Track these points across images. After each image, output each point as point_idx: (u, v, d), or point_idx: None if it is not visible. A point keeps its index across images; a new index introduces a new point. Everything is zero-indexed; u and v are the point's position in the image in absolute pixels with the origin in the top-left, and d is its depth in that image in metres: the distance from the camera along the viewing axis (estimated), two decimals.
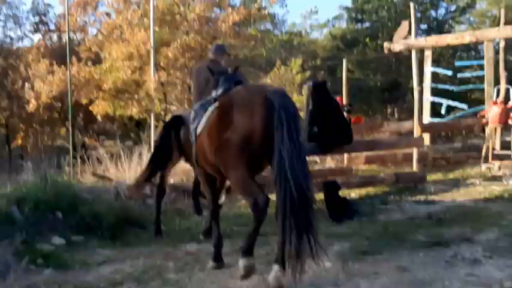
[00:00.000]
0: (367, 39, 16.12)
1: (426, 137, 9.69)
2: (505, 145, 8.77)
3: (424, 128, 7.99)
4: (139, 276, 3.90)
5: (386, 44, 10.83)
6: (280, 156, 3.25)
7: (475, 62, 13.00)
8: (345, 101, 9.19)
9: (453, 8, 17.18)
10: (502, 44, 9.30)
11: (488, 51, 9.57)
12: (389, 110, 17.78)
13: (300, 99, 12.73)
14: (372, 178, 7.46)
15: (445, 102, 10.67)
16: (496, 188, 7.39)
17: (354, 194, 7.31)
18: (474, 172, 8.84)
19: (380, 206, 6.56)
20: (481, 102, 11.44)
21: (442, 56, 15.68)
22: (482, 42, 9.68)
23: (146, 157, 8.76)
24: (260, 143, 3.41)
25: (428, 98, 10.72)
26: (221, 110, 3.71)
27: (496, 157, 8.69)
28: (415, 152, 7.98)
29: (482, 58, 11.62)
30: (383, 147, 7.68)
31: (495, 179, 8.29)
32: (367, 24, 17.69)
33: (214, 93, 4.11)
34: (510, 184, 7.68)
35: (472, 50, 17.63)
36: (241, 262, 3.58)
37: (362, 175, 7.77)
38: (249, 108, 3.48)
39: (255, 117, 3.42)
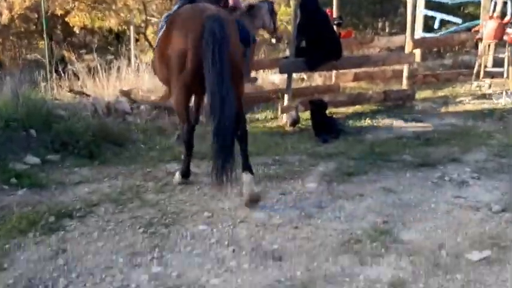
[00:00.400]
0: None
1: (417, 53, 9.36)
2: (497, 62, 8.51)
3: (416, 43, 7.63)
4: (117, 197, 3.76)
5: None
6: (207, 83, 3.33)
7: None
8: (335, 14, 8.70)
9: None
10: None
11: None
12: (380, 24, 17.13)
13: (288, 12, 12.15)
14: (359, 96, 7.23)
15: (439, 15, 10.22)
16: (485, 107, 7.25)
17: (341, 112, 7.12)
18: (464, 90, 8.65)
19: (367, 124, 6.40)
20: (475, 16, 11.02)
21: None
22: None
23: (126, 72, 8.42)
24: (192, 67, 3.46)
25: (421, 11, 10.24)
26: (167, 27, 3.77)
27: (488, 74, 8.47)
28: (405, 69, 7.70)
29: None
30: (372, 64, 7.36)
31: (485, 97, 8.13)
32: None
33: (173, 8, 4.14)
34: (500, 102, 7.55)
35: None
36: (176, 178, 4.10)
37: (350, 93, 7.52)
38: (183, 31, 3.52)
39: (187, 41, 3.45)
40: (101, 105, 6.45)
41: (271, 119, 6.88)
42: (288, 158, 4.76)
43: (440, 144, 5.13)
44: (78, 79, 8.20)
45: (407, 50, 7.66)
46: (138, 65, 9.14)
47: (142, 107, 6.84)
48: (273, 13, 6.99)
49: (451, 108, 7.41)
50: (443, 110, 7.30)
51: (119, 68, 8.16)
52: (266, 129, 6.17)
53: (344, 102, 7.11)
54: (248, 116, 6.99)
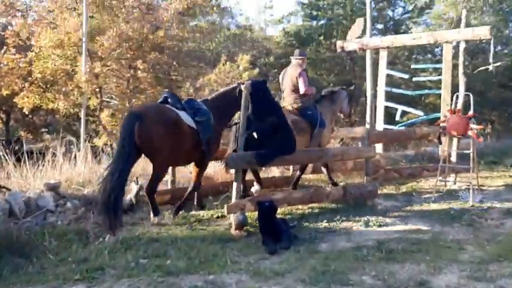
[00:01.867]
0: (321, 37, 15.29)
1: (379, 145, 8.93)
2: (463, 157, 8.11)
3: (377, 136, 7.16)
4: None
5: (339, 43, 10.00)
6: None
7: (432, 66, 12.37)
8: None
9: (411, 7, 16.49)
10: (462, 47, 8.63)
11: (447, 54, 8.91)
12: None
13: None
14: (317, 192, 6.54)
15: (400, 107, 9.94)
16: (453, 207, 6.66)
17: (295, 214, 6.38)
18: (429, 185, 8.14)
19: (324, 228, 5.64)
20: (436, 107, 10.82)
21: (397, 58, 15.09)
22: (439, 45, 9.04)
23: (64, 159, 7.56)
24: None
25: (382, 102, 9.98)
26: None
27: (452, 170, 8.00)
28: (366, 164, 7.15)
29: (438, 62, 10.99)
30: (330, 158, 6.78)
31: (451, 194, 7.61)
32: (322, 22, 16.83)
33: None
34: (467, 201, 6.99)
35: (429, 52, 17.18)
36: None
37: (307, 189, 6.84)
38: None
39: None
40: (18, 203, 5.52)
41: (218, 218, 6.07)
42: (225, 279, 3.90)
43: (406, 260, 4.38)
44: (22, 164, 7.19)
45: (367, 143, 7.16)
46: (85, 151, 8.27)
47: (69, 203, 5.94)
48: (350, 99, 7.99)
49: (417, 207, 6.78)
50: (407, 210, 6.64)
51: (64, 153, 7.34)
52: (208, 234, 5.32)
53: (300, 200, 6.38)
54: (193, 213, 6.21)
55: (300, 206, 6.55)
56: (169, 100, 5.79)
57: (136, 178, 6.45)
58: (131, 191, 6.34)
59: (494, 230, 5.53)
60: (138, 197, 6.31)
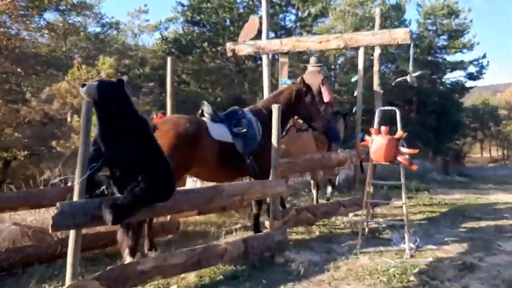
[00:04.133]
0: (206, 44, 13.34)
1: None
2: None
3: (288, 165, 5.30)
4: None
5: (229, 45, 8.11)
6: None
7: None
8: None
9: (305, 14, 15.19)
10: (376, 53, 7.21)
11: (360, 60, 7.48)
12: None
13: None
14: (206, 252, 4.41)
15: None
16: (389, 260, 4.97)
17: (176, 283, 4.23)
18: (351, 226, 6.52)
19: None
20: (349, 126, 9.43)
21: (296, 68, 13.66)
22: (350, 49, 7.66)
23: None
24: None
25: None
26: None
27: (373, 204, 6.46)
28: (273, 202, 5.24)
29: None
30: (226, 199, 4.71)
31: (377, 236, 6.01)
32: (206, 27, 14.89)
33: None
34: (401, 247, 5.42)
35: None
36: None
37: (191, 249, 4.62)
38: None
39: None
40: None
41: None
42: None
43: None
44: None
45: (273, 175, 5.25)
46: None
47: None
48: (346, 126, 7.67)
49: (342, 263, 5.01)
50: (332, 268, 4.80)
51: None
52: None
53: (182, 267, 4.20)
54: None
55: (183, 275, 4.37)
56: (205, 113, 5.41)
57: None
58: None
59: None
60: None
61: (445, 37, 23.25)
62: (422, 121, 21.46)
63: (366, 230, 6.26)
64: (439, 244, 5.79)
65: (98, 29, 13.18)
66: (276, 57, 9.69)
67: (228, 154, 5.20)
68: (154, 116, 6.80)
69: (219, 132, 5.24)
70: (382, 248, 5.50)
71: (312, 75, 6.86)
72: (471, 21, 23.12)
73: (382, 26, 7.42)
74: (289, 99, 5.82)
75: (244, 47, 7.98)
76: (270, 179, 5.33)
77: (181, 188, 6.38)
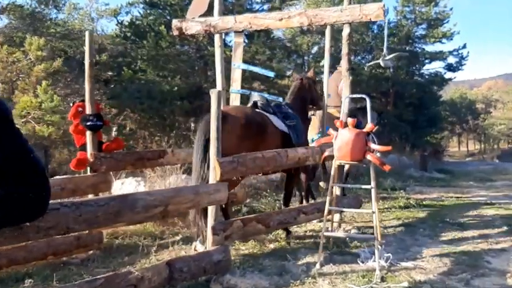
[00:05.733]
0: (162, 28, 12.10)
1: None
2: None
3: (230, 165, 4.23)
4: None
5: (175, 23, 7.01)
6: None
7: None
8: (88, 108, 5.02)
9: None
10: (345, 32, 6.17)
11: (327, 41, 6.46)
12: (193, 125, 14.04)
13: (34, 103, 8.09)
14: (109, 283, 3.32)
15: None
16: (351, 287, 3.99)
17: None
18: (304, 230, 5.53)
19: None
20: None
21: (255, 58, 12.52)
22: (315, 29, 6.60)
23: None
24: None
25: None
26: None
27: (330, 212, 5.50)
28: (211, 212, 4.20)
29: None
30: (142, 211, 3.64)
31: (342, 250, 5.05)
32: (166, 10, 13.61)
33: None
34: (370, 263, 4.48)
35: (292, 54, 15.07)
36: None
37: (88, 280, 3.51)
38: None
39: None
40: None
41: None
42: None
43: None
44: None
45: (212, 178, 4.21)
46: None
47: None
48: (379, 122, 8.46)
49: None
50: None
51: None
52: None
53: None
54: None
55: None
56: (259, 104, 5.67)
57: None
58: None
59: None
60: None
61: (424, 26, 22.41)
62: (399, 114, 20.61)
63: (331, 241, 5.28)
64: (416, 260, 4.85)
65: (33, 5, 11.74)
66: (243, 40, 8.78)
67: (285, 144, 5.43)
68: (72, 104, 5.66)
69: (278, 123, 5.55)
70: (346, 268, 4.52)
71: (338, 75, 7.48)
72: (451, 9, 22.29)
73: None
74: (304, 90, 6.48)
75: (192, 25, 6.86)
76: (209, 182, 4.29)
77: (105, 194, 5.31)
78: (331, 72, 7.50)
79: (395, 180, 10.86)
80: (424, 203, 8.29)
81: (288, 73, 16.21)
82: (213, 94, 4.13)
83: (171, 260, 3.86)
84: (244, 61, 9.14)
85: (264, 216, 4.84)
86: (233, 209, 6.83)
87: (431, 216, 7.21)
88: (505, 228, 6.27)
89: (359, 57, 21.55)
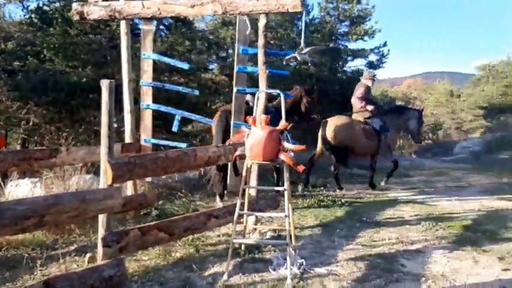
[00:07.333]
0: (71, 14, 11.16)
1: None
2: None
3: (118, 166, 3.75)
4: None
5: (76, 7, 6.42)
6: None
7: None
8: None
9: None
10: (261, 23, 5.86)
11: (241, 29, 6.11)
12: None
13: None
14: None
15: (179, 113, 6.79)
16: None
17: None
18: (217, 235, 5.16)
19: None
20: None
21: (174, 49, 11.95)
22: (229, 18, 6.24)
23: None
24: None
25: (148, 104, 6.70)
26: None
27: (258, 209, 5.18)
28: (101, 221, 3.71)
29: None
30: (5, 227, 3.08)
31: (255, 257, 4.74)
32: None
33: None
34: (282, 271, 4.20)
35: (214, 46, 14.62)
36: None
37: None
38: None
39: None
40: None
41: None
42: None
43: None
44: None
45: (103, 182, 3.72)
46: None
47: None
48: (421, 121, 10.32)
49: None
50: None
51: None
52: None
53: None
54: None
55: None
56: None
57: None
58: None
59: None
60: None
61: (347, 23, 22.79)
62: (323, 111, 20.84)
63: (243, 247, 4.95)
64: (330, 264, 4.64)
65: None
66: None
67: None
68: None
69: None
70: (256, 277, 4.21)
71: (361, 84, 10.09)
72: (373, 6, 22.82)
73: None
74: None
75: (95, 9, 6.28)
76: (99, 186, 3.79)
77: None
78: None
79: (316, 178, 10.79)
80: (343, 200, 8.19)
81: (211, 66, 15.74)
82: (104, 85, 3.64)
83: (49, 278, 3.31)
84: (162, 52, 8.63)
85: (167, 223, 4.39)
86: (141, 213, 6.33)
87: (349, 214, 7.10)
88: (420, 226, 6.26)
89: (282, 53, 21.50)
